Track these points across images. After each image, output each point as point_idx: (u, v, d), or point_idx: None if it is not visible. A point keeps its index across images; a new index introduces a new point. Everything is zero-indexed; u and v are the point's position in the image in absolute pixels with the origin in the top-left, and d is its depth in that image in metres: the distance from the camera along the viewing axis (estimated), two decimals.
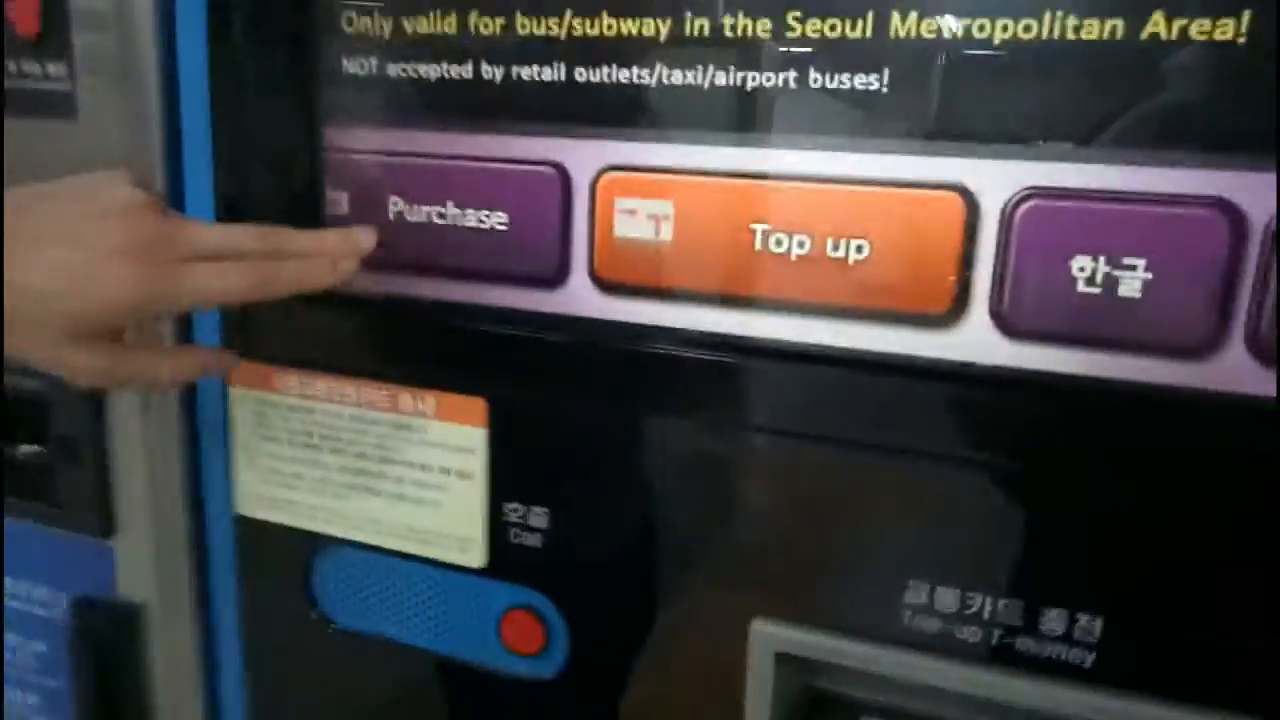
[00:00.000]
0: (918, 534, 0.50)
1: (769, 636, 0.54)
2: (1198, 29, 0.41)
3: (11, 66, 0.64)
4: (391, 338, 0.60)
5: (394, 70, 0.56)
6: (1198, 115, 0.42)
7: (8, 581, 0.78)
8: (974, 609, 0.50)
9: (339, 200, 0.59)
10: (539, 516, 0.58)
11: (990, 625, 0.49)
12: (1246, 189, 0.41)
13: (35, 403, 0.70)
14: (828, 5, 0.46)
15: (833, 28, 0.46)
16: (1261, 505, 0.43)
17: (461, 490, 0.60)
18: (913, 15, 0.45)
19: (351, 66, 0.57)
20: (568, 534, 0.58)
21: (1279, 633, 0.44)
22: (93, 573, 0.74)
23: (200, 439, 0.68)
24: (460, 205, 0.56)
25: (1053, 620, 0.48)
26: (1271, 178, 0.41)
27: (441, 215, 0.57)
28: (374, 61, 0.57)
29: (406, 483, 0.62)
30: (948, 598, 0.50)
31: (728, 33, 0.48)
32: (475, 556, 0.61)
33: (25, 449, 0.73)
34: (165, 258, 0.49)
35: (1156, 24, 0.41)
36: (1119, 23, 0.42)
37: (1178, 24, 0.41)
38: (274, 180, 0.59)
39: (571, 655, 0.60)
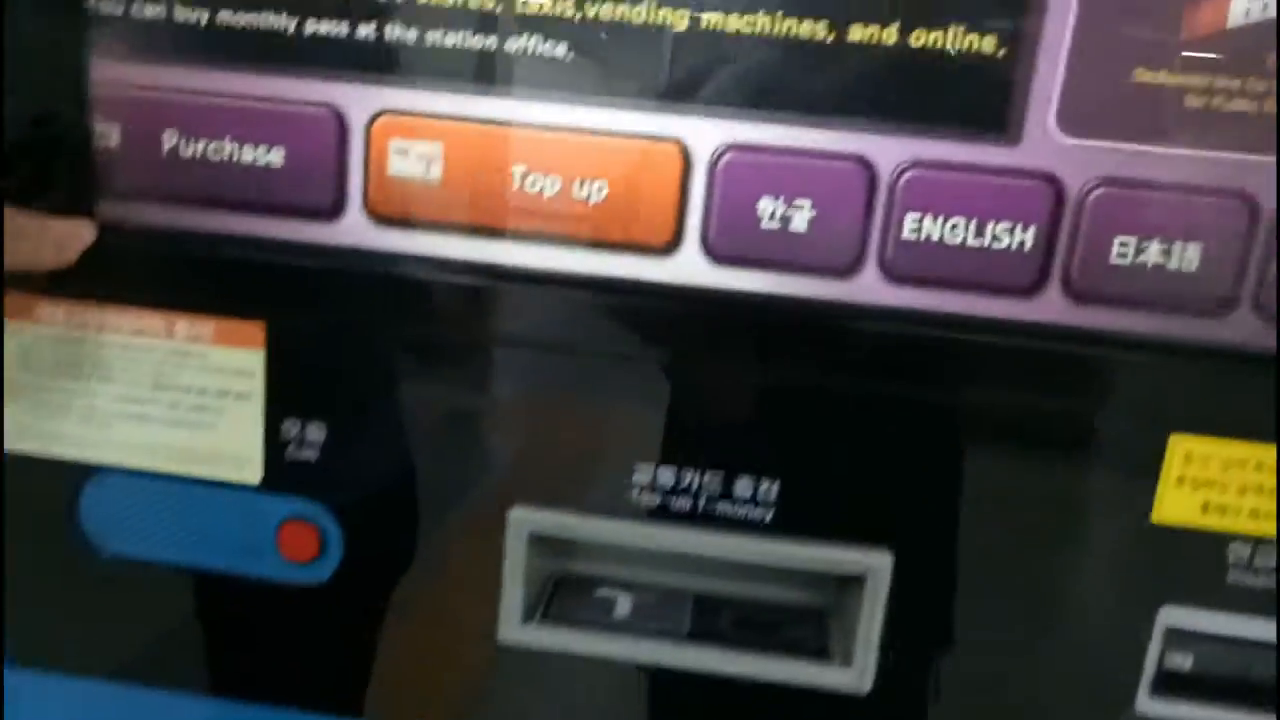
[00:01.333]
0: (644, 425, 0.56)
1: (524, 520, 0.57)
2: (855, 33, 0.49)
3: None
4: (165, 268, 0.58)
5: (175, 11, 0.54)
6: (847, 94, 0.51)
7: None
8: (686, 483, 0.56)
9: (110, 133, 0.55)
10: (315, 431, 0.58)
11: (697, 495, 0.56)
12: (877, 147, 0.51)
13: None
14: None
15: (580, 6, 0.51)
16: (897, 381, 0.53)
17: (238, 411, 0.59)
18: (652, 4, 0.50)
19: (115, 6, 0.54)
20: (342, 446, 0.59)
21: (910, 483, 0.55)
22: None
23: None
24: (238, 141, 0.55)
25: (743, 486, 0.56)
26: (896, 140, 0.50)
27: (219, 151, 0.55)
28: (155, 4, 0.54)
29: (182, 408, 0.59)
30: (666, 475, 0.56)
31: (489, 4, 0.52)
32: (252, 473, 0.59)
33: None
34: None
35: (814, 31, 0.50)
36: (793, 23, 0.50)
37: (835, 31, 0.49)
38: (39, 109, 0.55)
39: (345, 558, 0.61)
